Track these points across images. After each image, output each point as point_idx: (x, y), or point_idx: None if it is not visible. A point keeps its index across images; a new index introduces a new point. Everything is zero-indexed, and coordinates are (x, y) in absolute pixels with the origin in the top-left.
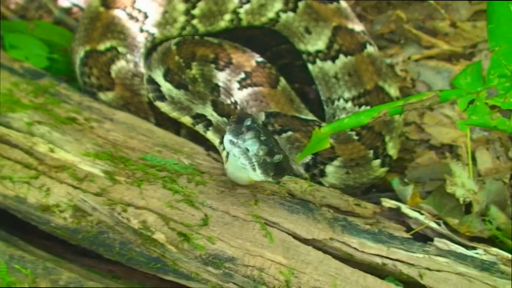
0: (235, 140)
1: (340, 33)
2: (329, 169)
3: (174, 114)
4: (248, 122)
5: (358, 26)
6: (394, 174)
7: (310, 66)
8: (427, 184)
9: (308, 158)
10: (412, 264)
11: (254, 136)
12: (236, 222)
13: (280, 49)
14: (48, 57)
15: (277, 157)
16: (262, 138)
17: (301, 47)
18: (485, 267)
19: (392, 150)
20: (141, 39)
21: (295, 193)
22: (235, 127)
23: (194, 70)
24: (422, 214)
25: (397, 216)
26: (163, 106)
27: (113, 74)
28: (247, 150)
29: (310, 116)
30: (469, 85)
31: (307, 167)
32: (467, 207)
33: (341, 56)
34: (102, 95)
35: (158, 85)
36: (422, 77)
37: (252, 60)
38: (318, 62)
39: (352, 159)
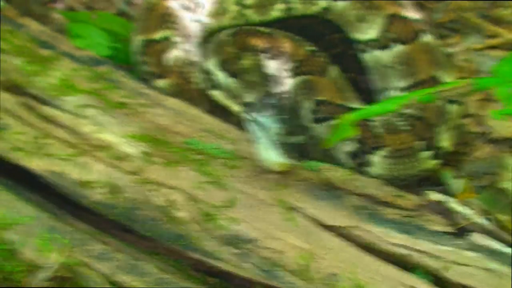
0: (256, 116)
1: (393, 21)
2: (375, 158)
3: (226, 102)
4: (273, 100)
5: (413, 14)
6: (449, 167)
7: (362, 55)
8: (483, 178)
9: (354, 147)
10: (438, 257)
11: (276, 113)
12: (261, 206)
13: (333, 38)
14: (110, 46)
15: (296, 139)
16: (285, 116)
17: (354, 36)
18: None
19: (444, 142)
20: (194, 29)
21: (334, 181)
22: (260, 104)
23: (248, 60)
24: (471, 209)
25: (444, 210)
26: (216, 95)
27: (167, 62)
28: (268, 127)
29: (357, 105)
30: (507, 73)
31: (353, 156)
32: None
33: (394, 45)
34: (157, 83)
35: (213, 74)
36: (484, 67)
37: (303, 49)
38: (371, 51)
39: (399, 149)
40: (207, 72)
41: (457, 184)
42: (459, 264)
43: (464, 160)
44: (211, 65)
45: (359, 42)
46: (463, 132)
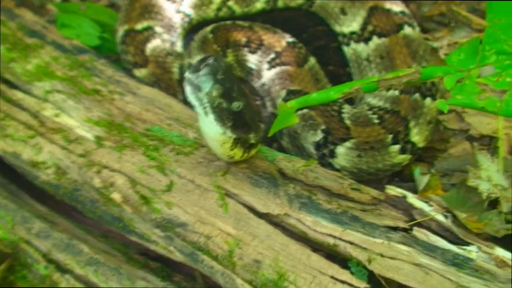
0: (189, 76)
1: (375, 13)
2: (340, 150)
3: None
4: (210, 60)
5: (397, 6)
6: (423, 164)
7: (344, 48)
8: (454, 176)
9: (318, 137)
10: (365, 248)
11: (209, 72)
12: (197, 191)
13: (316, 30)
14: (99, 37)
15: (236, 104)
16: (220, 77)
17: (337, 28)
18: (457, 262)
19: (416, 136)
20: (177, 20)
21: (286, 171)
22: (195, 64)
23: (230, 57)
24: (430, 205)
25: (406, 206)
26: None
27: (147, 52)
28: (199, 88)
29: None
30: (461, 62)
31: (318, 146)
32: (494, 204)
33: (375, 38)
34: (136, 72)
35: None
36: None
37: (282, 40)
38: (352, 44)
39: (367, 142)
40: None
41: (423, 180)
42: (385, 256)
43: (439, 156)
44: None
45: (341, 34)
46: (441, 128)
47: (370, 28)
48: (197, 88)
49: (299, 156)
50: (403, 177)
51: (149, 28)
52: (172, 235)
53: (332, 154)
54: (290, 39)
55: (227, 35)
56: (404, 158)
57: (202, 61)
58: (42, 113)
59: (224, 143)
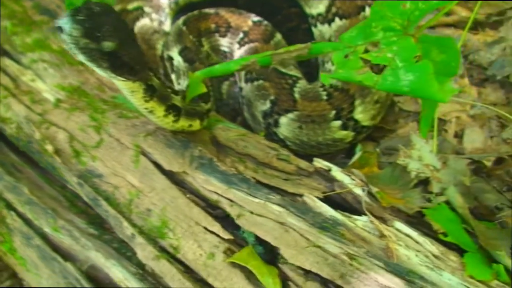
0: (57, 22)
1: None
2: (283, 120)
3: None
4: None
5: None
6: (373, 143)
7: (313, 29)
8: (393, 155)
9: (266, 106)
10: (241, 206)
11: (70, 14)
12: (119, 148)
13: (290, 12)
14: None
15: (107, 45)
16: (80, 18)
17: (307, 10)
18: (324, 225)
19: (360, 114)
20: (165, 1)
21: (219, 139)
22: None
23: (206, 46)
24: (352, 179)
25: (331, 178)
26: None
27: (135, 30)
28: (62, 29)
29: (293, 72)
30: (352, 39)
31: (265, 115)
32: (426, 185)
33: (337, 19)
34: None
35: (175, 61)
36: None
37: (248, 20)
38: (318, 25)
39: (309, 115)
40: (169, 59)
41: (356, 156)
42: (254, 213)
43: (387, 136)
44: (173, 52)
45: (311, 16)
46: (396, 109)
47: (333, 10)
48: (60, 30)
49: (254, 125)
50: (350, 154)
51: (139, 8)
52: (83, 182)
53: (276, 124)
54: (255, 18)
55: (198, 24)
56: (346, 134)
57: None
58: (21, 78)
59: (133, 91)
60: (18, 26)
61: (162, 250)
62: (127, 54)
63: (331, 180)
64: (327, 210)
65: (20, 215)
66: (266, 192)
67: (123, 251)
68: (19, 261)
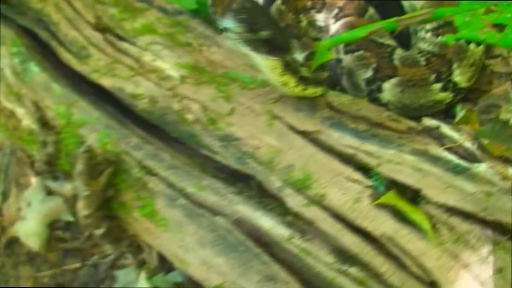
0: (219, 22)
1: None
2: (386, 85)
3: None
4: (234, 5)
5: None
6: (469, 103)
7: (403, 2)
8: (492, 112)
9: (369, 74)
10: (377, 157)
11: (231, 15)
12: (252, 114)
13: None
14: (196, 1)
15: (264, 34)
16: (241, 16)
17: None
18: (457, 170)
19: (459, 77)
20: None
21: (333, 104)
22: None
23: (304, 22)
24: (461, 134)
25: (439, 136)
26: None
27: None
28: (226, 29)
29: (389, 42)
30: (471, 3)
31: (368, 82)
32: None
33: None
34: None
35: None
36: None
37: None
38: None
39: (410, 80)
40: None
41: (460, 114)
42: (392, 162)
43: (483, 96)
44: None
45: None
46: (488, 72)
47: None
48: (225, 30)
49: (354, 93)
50: (448, 115)
51: None
52: (227, 145)
53: (380, 89)
54: None
55: (295, 3)
56: (446, 96)
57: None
58: (143, 58)
59: (274, 68)
60: (123, 13)
61: (309, 198)
62: (278, 37)
63: (440, 137)
64: (453, 159)
65: (163, 179)
66: (395, 145)
67: (266, 204)
68: (159, 223)
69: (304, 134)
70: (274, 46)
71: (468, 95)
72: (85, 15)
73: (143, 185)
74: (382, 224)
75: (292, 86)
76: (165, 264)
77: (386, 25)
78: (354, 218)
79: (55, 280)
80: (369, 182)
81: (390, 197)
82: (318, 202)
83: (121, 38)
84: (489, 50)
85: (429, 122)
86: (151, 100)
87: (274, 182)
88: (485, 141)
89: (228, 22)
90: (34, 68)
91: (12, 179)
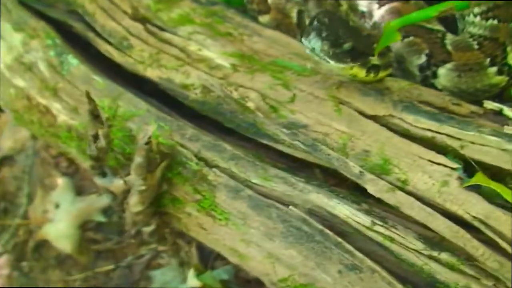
0: (305, 43)
1: None
2: (441, 71)
3: None
4: (314, 22)
5: None
6: None
7: None
8: None
9: (422, 60)
10: (458, 138)
11: (315, 35)
12: (315, 100)
13: None
14: None
15: (347, 45)
16: (324, 34)
17: None
18: None
19: None
20: None
21: (392, 89)
22: (306, 29)
23: (344, 6)
24: None
25: (498, 122)
26: None
27: (269, 1)
28: (314, 49)
29: (438, 27)
30: None
31: (421, 68)
32: None
33: None
34: (260, 18)
35: None
36: None
37: None
38: None
39: (466, 64)
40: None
41: None
42: (475, 144)
43: None
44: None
45: None
46: None
47: None
48: (312, 51)
49: (406, 80)
50: (502, 98)
51: None
52: (297, 132)
53: (435, 75)
54: None
55: None
56: (501, 79)
57: (310, 24)
58: (188, 48)
59: (343, 68)
60: (159, 4)
61: (391, 184)
62: (361, 44)
63: (502, 120)
64: None
65: (224, 171)
66: (474, 126)
67: (338, 192)
68: (218, 217)
69: (375, 118)
70: (357, 54)
71: None
72: (121, 5)
73: (202, 178)
74: (473, 207)
75: (362, 76)
76: (207, 263)
77: (458, 4)
78: (442, 202)
79: (87, 283)
80: (455, 165)
81: (481, 179)
82: (401, 187)
83: (161, 28)
84: None
85: (491, 105)
86: (204, 90)
87: (353, 168)
88: None
89: (313, 42)
90: (73, 61)
91: (36, 181)
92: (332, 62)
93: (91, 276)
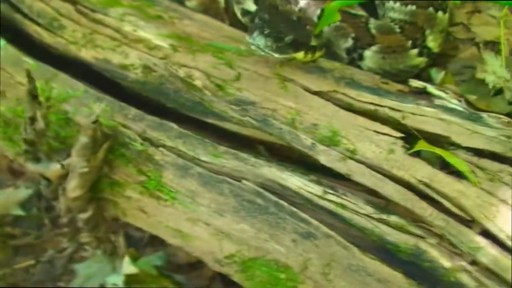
0: (250, 40)
1: None
2: (367, 53)
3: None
4: (256, 20)
5: None
6: (438, 68)
7: None
8: (464, 74)
9: (349, 44)
10: (399, 110)
11: (259, 33)
12: (261, 78)
13: None
14: None
15: (288, 39)
16: (266, 31)
17: None
18: (472, 118)
19: (431, 42)
20: None
21: (327, 69)
22: (249, 28)
23: None
24: (446, 93)
25: (425, 96)
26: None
27: None
28: (259, 45)
29: (361, 12)
30: None
31: (348, 51)
32: (498, 94)
33: None
34: (187, 3)
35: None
36: None
37: None
38: None
39: (390, 46)
40: (247, 12)
41: (439, 75)
42: (415, 114)
43: (451, 61)
44: (247, 5)
45: None
46: (451, 38)
47: None
48: (258, 47)
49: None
50: (420, 78)
51: None
52: (246, 108)
53: (361, 58)
54: None
55: None
56: (421, 60)
57: (251, 21)
58: (123, 28)
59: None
60: None
61: (341, 153)
62: (301, 34)
63: (427, 97)
64: (466, 109)
65: (171, 149)
66: (412, 99)
67: (287, 166)
68: (164, 197)
69: (320, 94)
70: (297, 44)
71: (436, 59)
72: None
73: (147, 158)
74: (418, 172)
75: (300, 57)
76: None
77: None
78: (390, 168)
79: (5, 281)
80: (398, 134)
81: (424, 145)
82: (350, 157)
83: (92, 10)
84: (451, 19)
85: (416, 83)
86: (145, 70)
87: (304, 141)
88: (472, 96)
89: (257, 40)
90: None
91: None
92: (276, 55)
93: (9, 273)
